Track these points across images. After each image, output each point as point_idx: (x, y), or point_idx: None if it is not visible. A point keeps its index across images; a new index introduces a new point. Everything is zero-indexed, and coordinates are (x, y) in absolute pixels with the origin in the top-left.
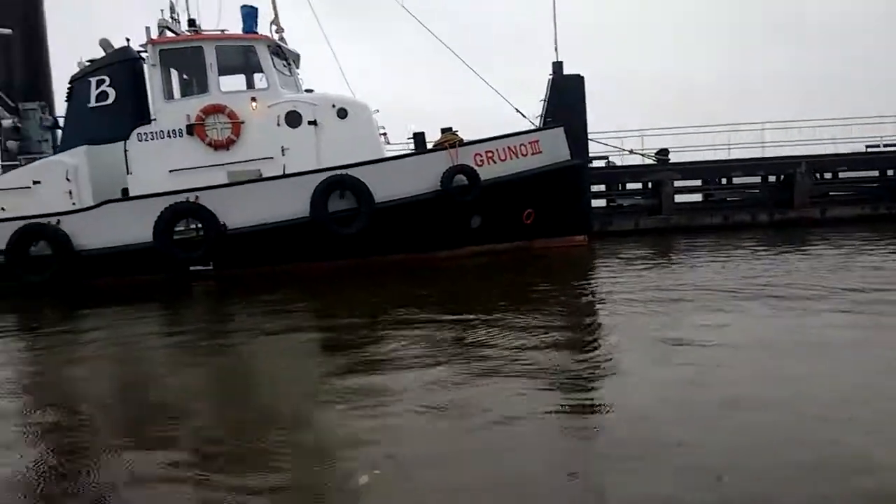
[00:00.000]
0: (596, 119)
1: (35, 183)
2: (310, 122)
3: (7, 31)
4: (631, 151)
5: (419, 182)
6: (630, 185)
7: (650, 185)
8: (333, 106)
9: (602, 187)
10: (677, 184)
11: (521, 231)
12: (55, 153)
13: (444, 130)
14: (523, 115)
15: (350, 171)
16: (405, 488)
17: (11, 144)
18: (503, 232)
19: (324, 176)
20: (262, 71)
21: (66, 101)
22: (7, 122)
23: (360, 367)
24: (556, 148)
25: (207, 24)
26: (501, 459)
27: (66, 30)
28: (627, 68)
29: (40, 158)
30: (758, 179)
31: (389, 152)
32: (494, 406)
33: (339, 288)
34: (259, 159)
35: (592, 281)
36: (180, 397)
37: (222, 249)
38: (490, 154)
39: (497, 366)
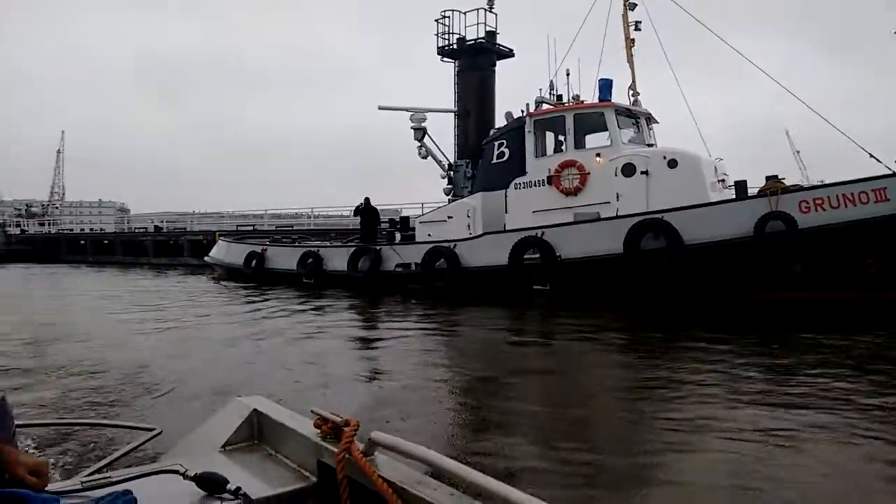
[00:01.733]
0: None
1: (449, 217)
2: (642, 172)
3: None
4: None
5: (730, 227)
6: None
7: None
8: (664, 158)
9: None
10: None
11: (860, 280)
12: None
13: (768, 178)
14: (878, 161)
15: (665, 216)
16: None
17: (446, 189)
18: (833, 280)
19: (638, 219)
20: (607, 130)
21: (479, 158)
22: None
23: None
24: None
25: (586, 94)
26: None
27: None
28: None
29: (457, 201)
30: None
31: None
32: None
33: (654, 315)
34: (598, 203)
35: None
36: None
37: (556, 274)
38: (819, 201)
39: None
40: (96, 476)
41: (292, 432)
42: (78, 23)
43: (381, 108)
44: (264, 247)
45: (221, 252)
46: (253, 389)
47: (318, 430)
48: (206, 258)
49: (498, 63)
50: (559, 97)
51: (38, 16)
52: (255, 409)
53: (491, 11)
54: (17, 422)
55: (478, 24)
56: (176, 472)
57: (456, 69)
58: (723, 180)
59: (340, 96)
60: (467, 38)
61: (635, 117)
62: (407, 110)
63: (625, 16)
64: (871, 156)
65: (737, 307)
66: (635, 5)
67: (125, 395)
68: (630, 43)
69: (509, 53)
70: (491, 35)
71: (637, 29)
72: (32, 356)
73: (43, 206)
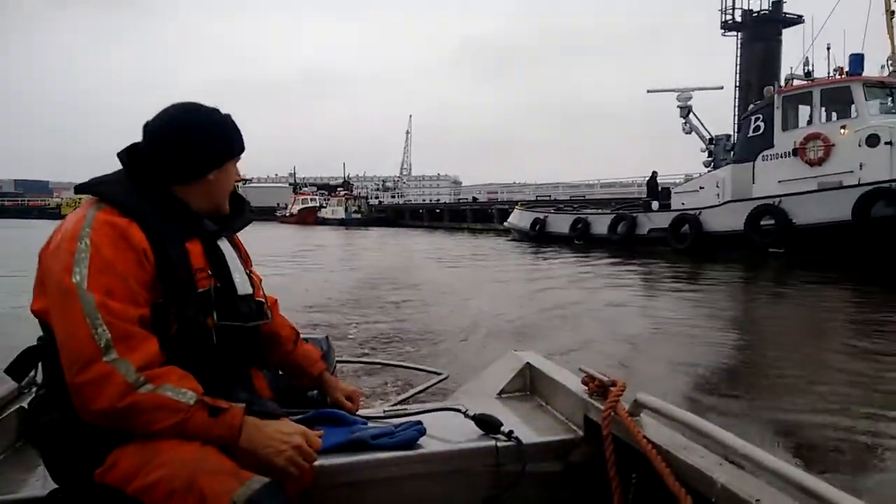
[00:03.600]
0: None
1: (700, 188)
2: (886, 143)
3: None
4: None
5: None
6: None
7: None
8: None
9: None
10: None
11: None
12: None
13: None
14: None
15: (894, 185)
16: None
17: (705, 161)
18: None
19: (868, 188)
20: (853, 104)
21: (738, 131)
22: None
23: None
24: None
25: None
26: None
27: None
28: None
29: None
30: None
31: None
32: None
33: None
34: (841, 173)
35: None
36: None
37: (791, 238)
38: None
39: None
40: (396, 407)
41: (562, 387)
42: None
43: (650, 91)
44: (546, 214)
45: (516, 218)
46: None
47: (586, 388)
48: (505, 223)
49: (787, 31)
50: (808, 73)
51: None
52: (527, 363)
53: None
54: (337, 358)
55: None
56: (459, 410)
57: (739, 42)
58: None
59: (654, 62)
60: (752, 10)
61: (890, 87)
62: (674, 91)
63: None
64: None
65: None
66: None
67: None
68: (890, 15)
69: (797, 20)
70: (777, 4)
71: None
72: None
73: (394, 181)
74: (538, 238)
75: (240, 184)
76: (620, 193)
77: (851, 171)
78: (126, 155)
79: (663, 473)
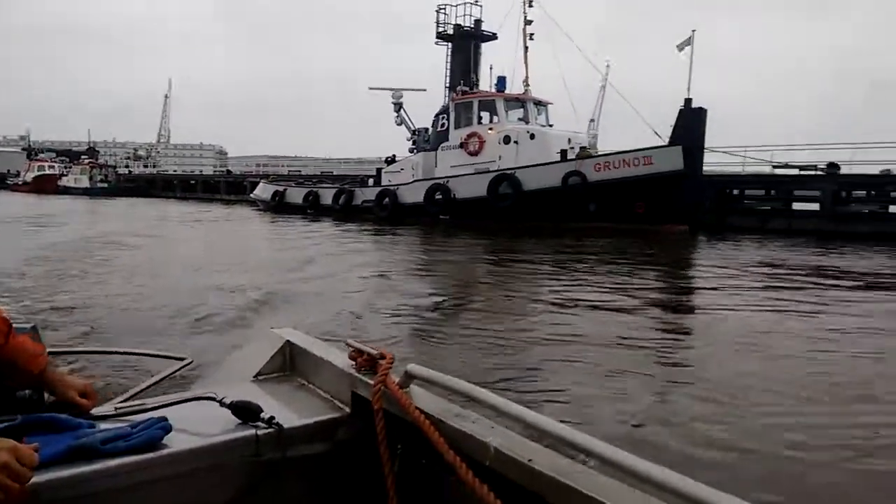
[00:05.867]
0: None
1: (402, 169)
2: (514, 142)
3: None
4: (786, 165)
5: (552, 179)
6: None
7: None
8: (528, 132)
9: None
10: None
11: (634, 217)
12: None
13: (582, 148)
14: (659, 136)
15: (515, 172)
16: None
17: (410, 148)
18: (618, 216)
19: (497, 173)
20: (496, 113)
21: (432, 126)
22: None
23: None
24: (671, 161)
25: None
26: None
27: None
28: None
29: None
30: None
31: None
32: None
33: (506, 232)
34: (489, 162)
35: (668, 248)
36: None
37: (453, 209)
38: (607, 164)
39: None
40: (131, 403)
41: (326, 364)
42: None
43: (371, 88)
44: (286, 187)
45: (260, 190)
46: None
47: (353, 363)
48: (250, 195)
49: (486, 45)
50: (472, 86)
51: None
52: (287, 341)
53: (476, 4)
54: (48, 349)
55: (464, 15)
56: (211, 398)
57: (449, 51)
58: (584, 147)
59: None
60: (460, 25)
61: (523, 102)
62: (389, 90)
63: (523, 29)
64: (657, 134)
65: (555, 232)
66: (531, 21)
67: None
68: (525, 49)
69: (493, 37)
70: (478, 22)
71: (531, 39)
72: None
73: (147, 149)
74: (278, 208)
75: None
76: (365, 170)
77: (494, 161)
78: None
79: (437, 442)
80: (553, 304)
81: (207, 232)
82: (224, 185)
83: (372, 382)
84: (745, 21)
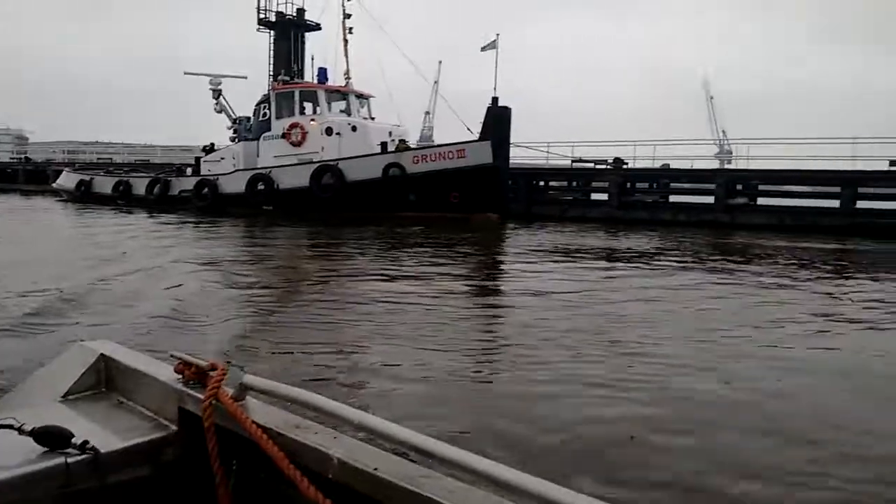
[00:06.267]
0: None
1: (221, 158)
2: (336, 133)
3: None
4: (580, 159)
5: (374, 171)
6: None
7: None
8: (349, 124)
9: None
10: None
11: (450, 206)
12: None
13: (401, 142)
14: (470, 131)
15: (338, 163)
16: None
17: (231, 137)
18: (435, 205)
19: (319, 164)
20: (318, 104)
21: (253, 115)
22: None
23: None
24: (482, 154)
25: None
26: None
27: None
28: None
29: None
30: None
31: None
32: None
33: (327, 224)
34: (312, 152)
35: (478, 234)
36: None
37: (276, 199)
38: (424, 156)
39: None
40: None
41: (148, 378)
42: None
43: (186, 73)
44: (93, 176)
45: (63, 180)
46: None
47: (180, 376)
48: (53, 185)
49: (309, 34)
50: (292, 76)
51: None
52: (101, 354)
53: None
54: None
55: (286, 2)
56: (9, 426)
57: (271, 38)
58: (403, 140)
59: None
60: (282, 13)
61: (345, 95)
62: (207, 75)
63: (343, 22)
64: (469, 129)
65: (378, 220)
66: (349, 15)
67: None
68: (345, 43)
69: (317, 27)
70: (301, 11)
71: (350, 33)
72: None
73: None
74: (84, 198)
75: None
76: (189, 159)
77: (317, 152)
78: None
79: (276, 457)
80: (380, 280)
81: None
82: (23, 174)
83: (202, 397)
84: (559, 23)
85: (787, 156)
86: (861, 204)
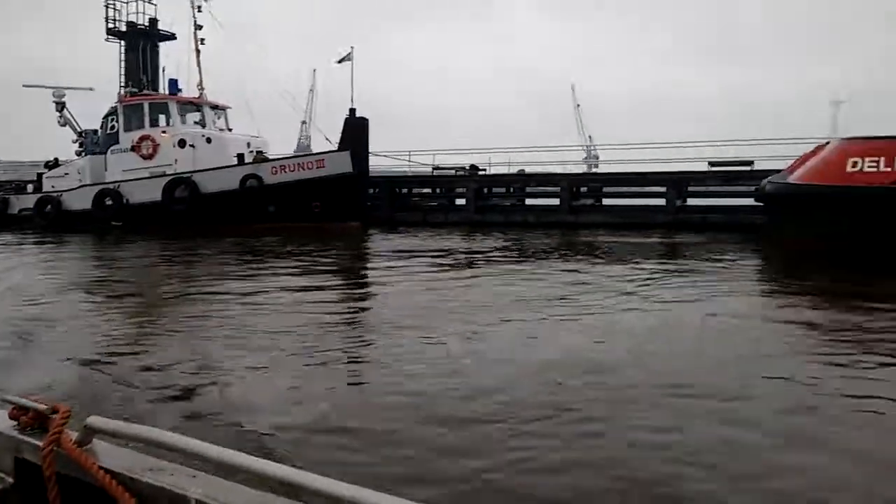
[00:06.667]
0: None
1: (66, 174)
2: (190, 145)
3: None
4: (438, 167)
5: (230, 182)
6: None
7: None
8: (203, 136)
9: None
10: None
11: (312, 216)
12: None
13: (258, 153)
14: (329, 141)
15: (192, 175)
16: None
17: (77, 150)
18: (296, 216)
19: (172, 177)
20: (170, 116)
21: (101, 128)
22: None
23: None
24: (341, 164)
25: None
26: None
27: None
28: None
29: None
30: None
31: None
32: None
33: (183, 236)
34: (164, 165)
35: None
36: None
37: (126, 215)
38: (283, 167)
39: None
40: None
41: None
42: None
43: (25, 86)
44: None
45: None
46: None
47: (16, 422)
48: None
49: (164, 44)
50: (142, 87)
51: None
52: None
53: (150, 3)
54: None
55: (137, 13)
56: None
57: (122, 48)
58: (260, 151)
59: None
60: (133, 22)
61: (199, 106)
62: (50, 87)
63: (194, 33)
64: (328, 140)
65: (236, 233)
66: (201, 26)
67: None
68: (197, 53)
69: (172, 37)
70: (153, 20)
71: (203, 43)
72: None
73: None
74: None
75: None
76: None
77: (170, 165)
78: None
79: None
80: (239, 294)
81: None
82: None
83: (41, 444)
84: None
85: (645, 159)
86: (691, 202)
